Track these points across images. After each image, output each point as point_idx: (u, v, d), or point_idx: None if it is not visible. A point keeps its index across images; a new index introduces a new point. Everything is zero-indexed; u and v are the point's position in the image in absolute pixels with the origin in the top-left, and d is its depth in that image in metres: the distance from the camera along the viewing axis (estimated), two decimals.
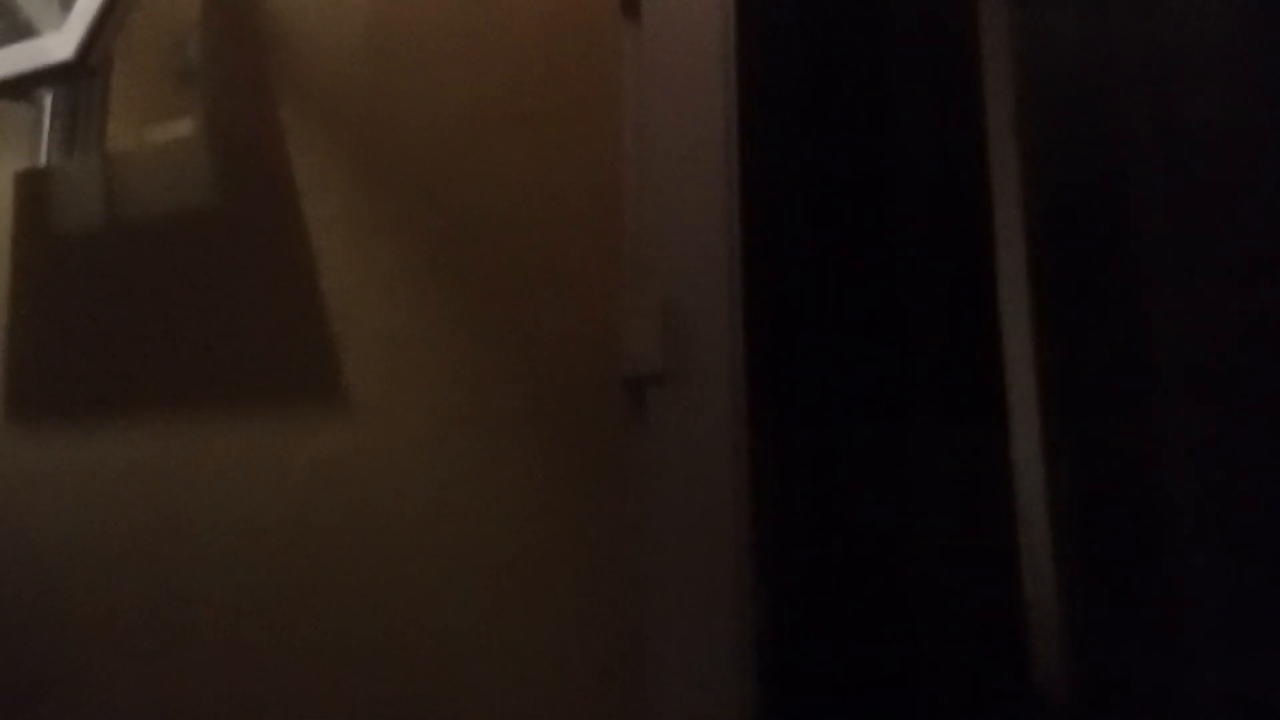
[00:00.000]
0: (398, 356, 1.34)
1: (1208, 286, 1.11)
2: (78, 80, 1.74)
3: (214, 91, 1.58)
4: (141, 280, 1.57)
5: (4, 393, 1.64)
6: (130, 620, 1.44)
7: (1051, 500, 1.10)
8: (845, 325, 1.21)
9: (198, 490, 1.43)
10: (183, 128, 1.64)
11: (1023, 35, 1.24)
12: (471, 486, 1.26)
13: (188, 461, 1.45)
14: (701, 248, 1.20)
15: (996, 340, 1.16)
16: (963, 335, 1.18)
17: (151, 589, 1.44)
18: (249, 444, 1.41)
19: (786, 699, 1.12)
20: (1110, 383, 1.13)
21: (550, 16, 1.34)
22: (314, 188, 1.45)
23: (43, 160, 1.80)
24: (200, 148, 1.57)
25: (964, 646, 1.11)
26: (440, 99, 1.39)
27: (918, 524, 1.14)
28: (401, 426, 1.32)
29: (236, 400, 1.44)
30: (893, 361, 1.19)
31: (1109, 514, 1.10)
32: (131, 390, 1.53)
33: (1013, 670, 1.07)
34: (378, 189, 1.41)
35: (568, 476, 1.22)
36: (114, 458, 1.51)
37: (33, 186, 1.72)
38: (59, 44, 1.64)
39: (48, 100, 1.82)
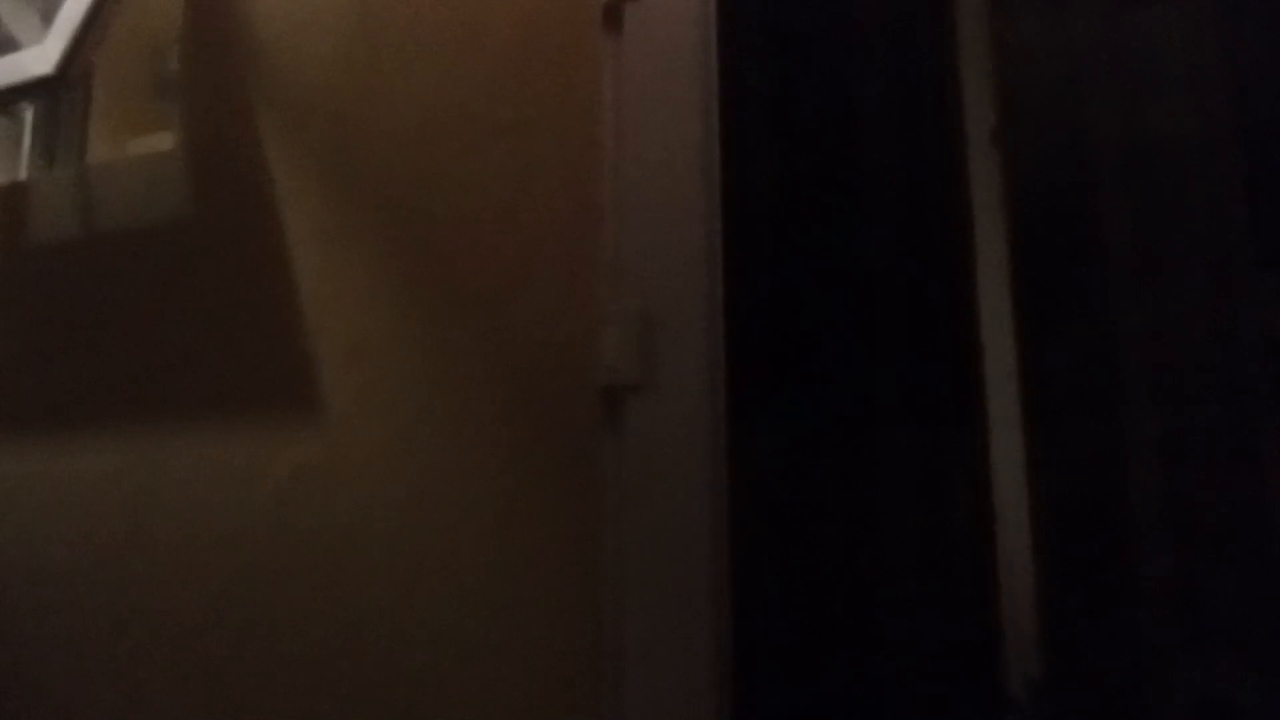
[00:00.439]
0: (372, 366, 1.34)
1: (1183, 292, 1.12)
2: (58, 94, 1.74)
3: (193, 103, 1.58)
4: (119, 290, 1.56)
5: None
6: (98, 632, 1.43)
7: (1027, 503, 1.10)
8: (822, 334, 1.21)
9: (170, 500, 1.42)
10: (162, 140, 1.64)
11: (1000, 45, 1.26)
12: (446, 495, 1.26)
13: (159, 470, 1.44)
14: (679, 258, 1.20)
15: (974, 347, 1.16)
16: (939, 343, 1.18)
17: (121, 600, 1.42)
18: (222, 453, 1.40)
19: (760, 704, 1.11)
20: (1087, 388, 1.14)
21: (528, 26, 1.34)
22: (290, 198, 1.45)
23: (23, 173, 1.80)
24: (179, 159, 1.57)
25: (938, 650, 1.10)
26: (418, 109, 1.39)
27: (893, 530, 1.14)
28: (375, 436, 1.31)
29: (210, 410, 1.43)
30: (869, 370, 1.19)
31: (1085, 518, 1.10)
32: (107, 400, 1.52)
33: (987, 672, 1.07)
34: (354, 199, 1.41)
35: (543, 485, 1.22)
36: (88, 468, 1.50)
37: (12, 199, 1.72)
38: (39, 58, 1.64)
39: (28, 113, 1.82)
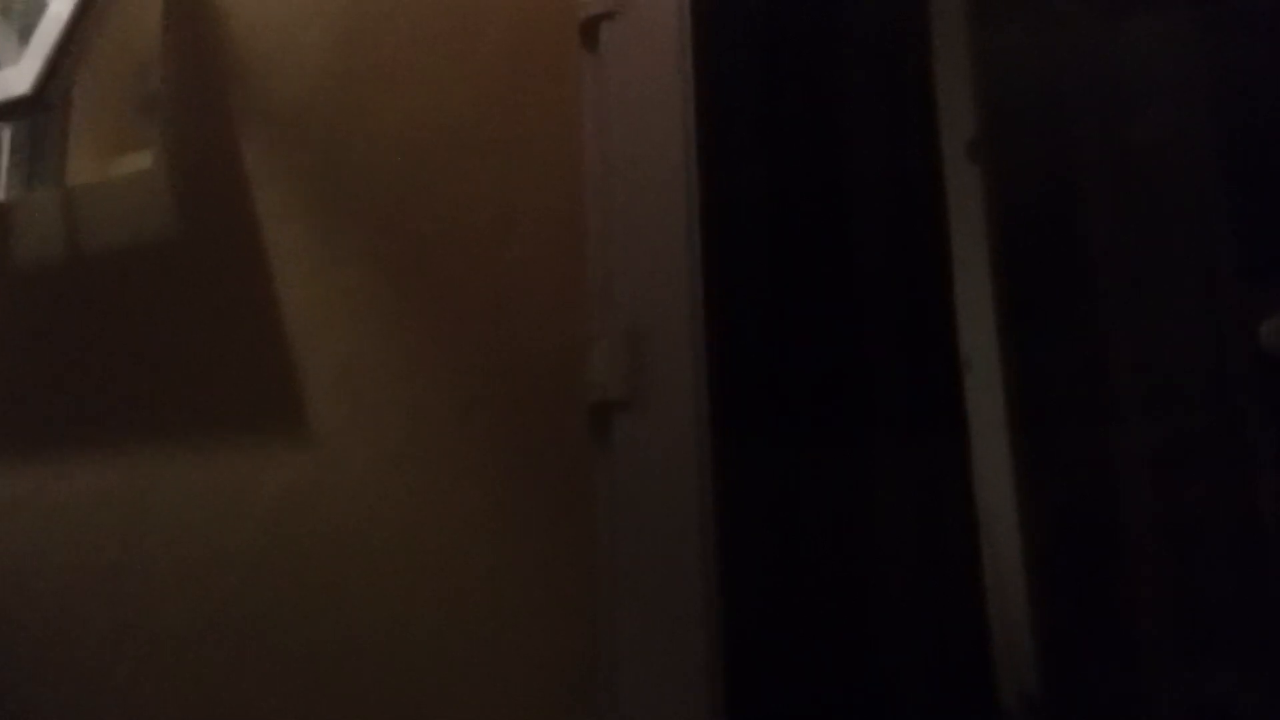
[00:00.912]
0: (360, 384, 1.34)
1: (1167, 302, 1.13)
2: (36, 114, 1.73)
3: (175, 122, 1.57)
4: (103, 312, 1.55)
5: None
6: (93, 651, 1.42)
7: (1015, 514, 1.11)
8: (808, 348, 1.22)
9: (160, 520, 1.42)
10: (143, 159, 1.63)
11: (980, 57, 1.26)
12: (436, 513, 1.26)
13: (150, 491, 1.44)
14: (664, 275, 1.21)
15: (956, 356, 1.17)
16: (925, 354, 1.19)
17: (114, 620, 1.42)
18: (212, 473, 1.40)
19: (751, 716, 1.12)
20: (1071, 396, 1.15)
21: (511, 45, 1.34)
22: (275, 216, 1.45)
23: (2, 194, 1.78)
24: (161, 179, 1.56)
25: (930, 660, 1.11)
26: (401, 127, 1.39)
27: (880, 543, 1.15)
28: (365, 454, 1.31)
29: (199, 429, 1.43)
30: (854, 383, 1.20)
31: (1071, 525, 1.11)
32: (93, 421, 1.52)
33: (979, 683, 1.08)
34: (339, 217, 1.41)
35: (534, 503, 1.22)
36: (75, 489, 1.49)
37: None
38: (16, 78, 1.63)
39: (6, 134, 1.81)
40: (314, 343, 1.38)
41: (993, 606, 1.10)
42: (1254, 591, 1.04)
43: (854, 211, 1.24)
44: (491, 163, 1.32)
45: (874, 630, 1.14)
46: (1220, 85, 1.15)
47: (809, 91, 1.29)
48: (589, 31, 1.31)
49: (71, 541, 1.48)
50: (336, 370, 1.36)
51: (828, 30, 1.30)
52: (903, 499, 1.15)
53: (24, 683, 1.47)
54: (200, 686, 1.35)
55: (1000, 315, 1.17)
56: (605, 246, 1.24)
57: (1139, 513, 1.09)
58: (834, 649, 1.14)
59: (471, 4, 1.38)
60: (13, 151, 1.79)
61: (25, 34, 1.69)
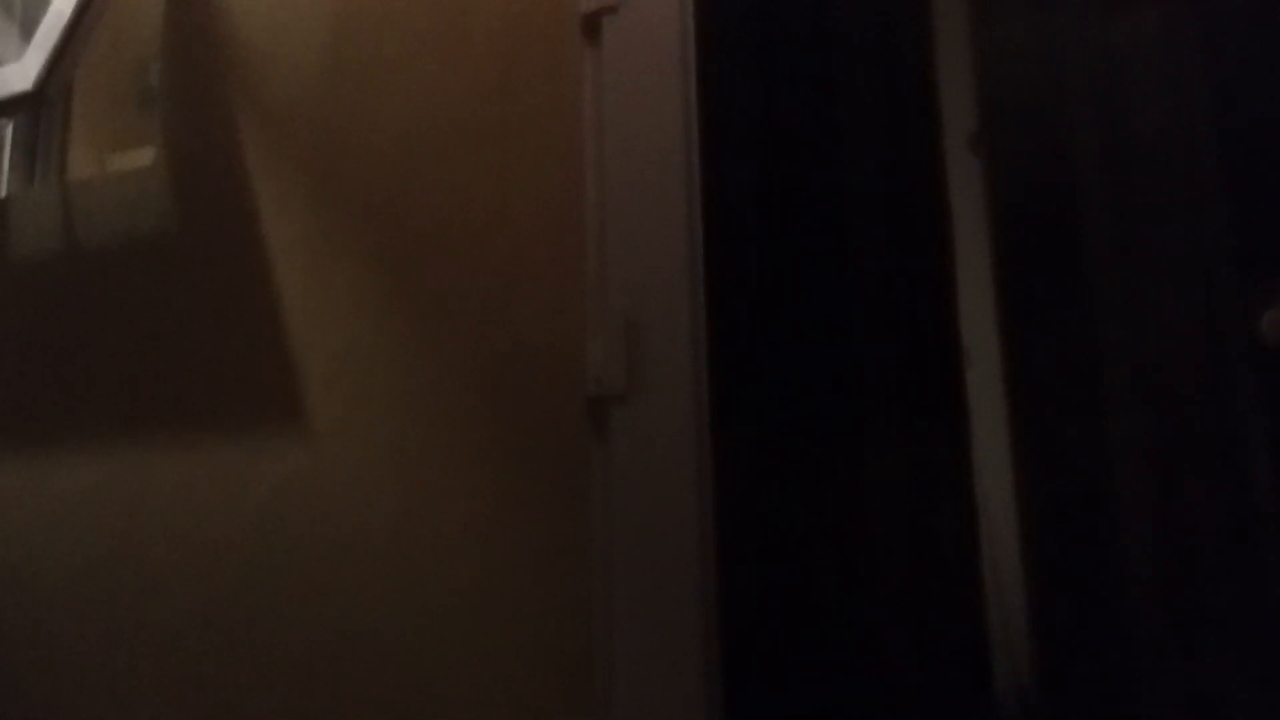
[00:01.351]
0: (358, 377, 1.34)
1: (1166, 293, 1.13)
2: (37, 110, 1.73)
3: (174, 117, 1.58)
4: (102, 306, 1.55)
5: None
6: (88, 644, 1.42)
7: (1014, 504, 1.11)
8: (806, 340, 1.21)
9: (158, 513, 1.42)
10: (143, 155, 1.63)
11: (980, 50, 1.26)
12: (433, 505, 1.26)
13: (146, 485, 1.43)
14: (662, 267, 1.20)
15: (958, 349, 1.16)
16: (924, 346, 1.18)
17: (110, 612, 1.42)
18: (208, 466, 1.40)
19: (749, 706, 1.11)
20: (1071, 387, 1.14)
21: (510, 37, 1.34)
22: (273, 210, 1.45)
23: (2, 190, 1.79)
24: (160, 174, 1.56)
25: (927, 650, 1.10)
26: (400, 120, 1.39)
27: (879, 534, 1.14)
28: (362, 447, 1.31)
29: (196, 423, 1.43)
30: (853, 374, 1.19)
31: (1069, 515, 1.11)
32: (92, 414, 1.52)
33: (976, 674, 1.07)
34: (337, 211, 1.41)
35: (531, 495, 1.22)
36: (74, 481, 1.49)
37: None
38: (18, 74, 1.63)
39: (7, 130, 1.81)
40: (311, 336, 1.38)
41: (991, 599, 1.10)
42: (1253, 586, 1.04)
43: (854, 204, 1.24)
44: (489, 157, 1.32)
45: (872, 624, 1.13)
46: (1220, 77, 1.14)
47: (810, 85, 1.29)
48: (591, 26, 1.31)
49: (67, 535, 1.48)
50: (333, 364, 1.36)
51: (829, 24, 1.30)
52: (902, 492, 1.14)
53: (19, 675, 1.46)
54: (195, 679, 1.34)
55: (1001, 307, 1.17)
56: (603, 240, 1.24)
57: (1138, 504, 1.08)
58: (832, 642, 1.13)
59: None
60: (13, 147, 1.79)
61: (27, 30, 1.69)
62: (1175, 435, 1.08)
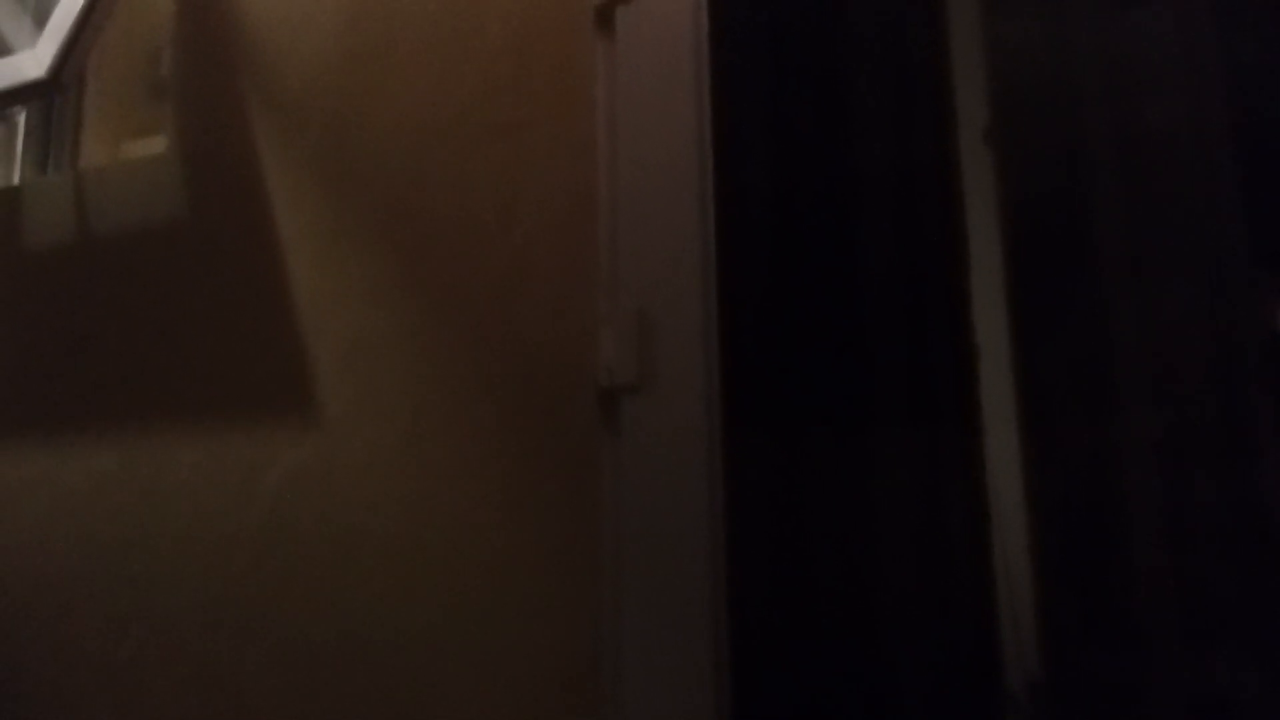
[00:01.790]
0: (370, 368, 1.34)
1: (1179, 291, 1.12)
2: (51, 98, 1.74)
3: (186, 106, 1.58)
4: (114, 295, 1.56)
5: None
6: (98, 634, 1.43)
7: (1024, 503, 1.11)
8: (818, 334, 1.21)
9: (169, 503, 1.42)
10: (156, 143, 1.63)
11: (994, 45, 1.26)
12: (444, 497, 1.26)
13: (157, 474, 1.44)
14: (674, 258, 1.20)
15: (969, 346, 1.16)
16: (935, 343, 1.18)
17: (121, 602, 1.42)
18: (219, 455, 1.40)
19: (759, 704, 1.11)
20: (1083, 387, 1.14)
21: (522, 28, 1.34)
22: (286, 199, 1.45)
23: (16, 178, 1.79)
24: (173, 162, 1.56)
25: (937, 648, 1.11)
26: (412, 110, 1.39)
27: (890, 530, 1.14)
28: (373, 438, 1.31)
29: (207, 412, 1.43)
30: (865, 370, 1.19)
31: (1082, 517, 1.11)
32: (103, 403, 1.52)
33: (987, 671, 1.08)
34: (349, 201, 1.41)
35: (541, 487, 1.22)
36: (85, 470, 1.50)
37: (6, 204, 1.71)
38: (32, 62, 1.63)
39: (21, 118, 1.82)
40: (322, 326, 1.39)
41: (1002, 597, 1.10)
42: (1264, 586, 1.04)
43: (867, 198, 1.24)
44: (501, 147, 1.32)
45: (882, 623, 1.13)
46: (1233, 72, 1.14)
47: (824, 79, 1.29)
48: (604, 17, 1.31)
49: (78, 524, 1.49)
50: (344, 354, 1.36)
51: (843, 18, 1.30)
52: (912, 486, 1.14)
53: (29, 664, 1.47)
54: (203, 669, 1.35)
55: (1014, 302, 1.17)
56: (615, 230, 1.24)
57: (1149, 503, 1.08)
58: (842, 642, 1.13)
59: None
60: (27, 135, 1.80)
61: (41, 18, 1.70)
62: (1187, 433, 1.08)
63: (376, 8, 1.45)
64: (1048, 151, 1.20)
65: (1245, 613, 1.02)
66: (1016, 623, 1.09)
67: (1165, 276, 1.13)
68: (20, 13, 1.78)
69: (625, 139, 1.26)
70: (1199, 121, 1.15)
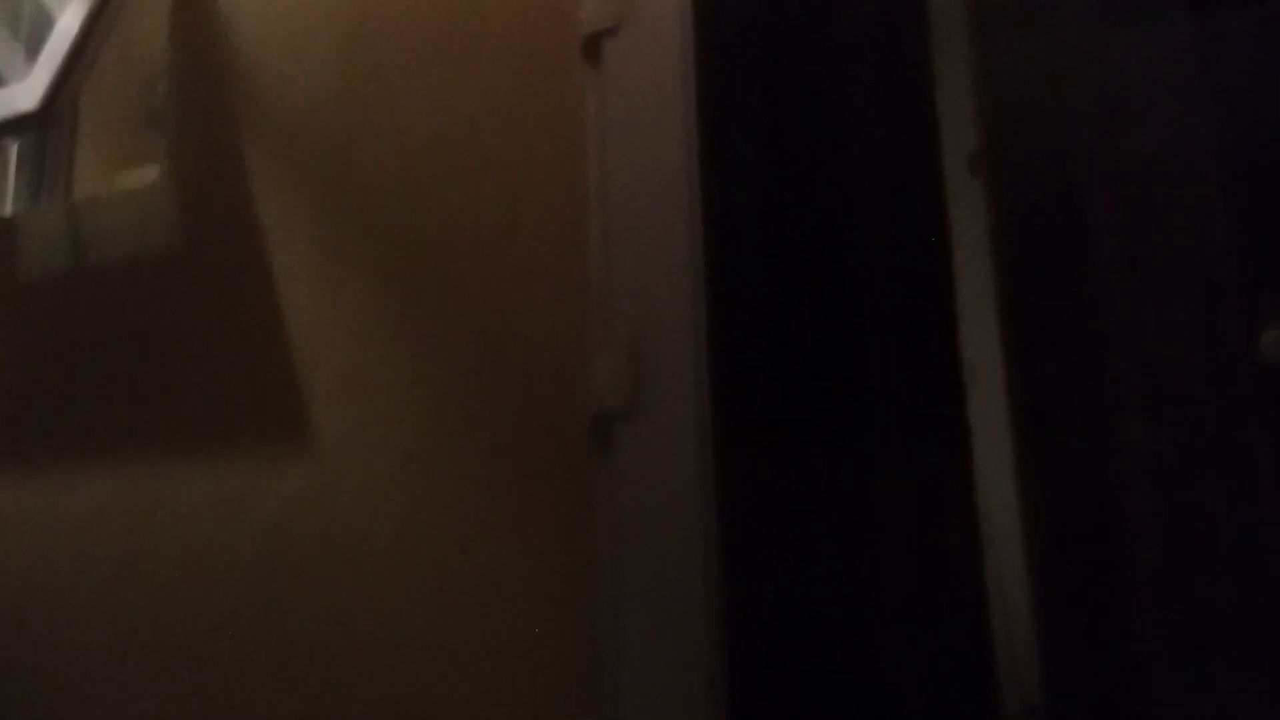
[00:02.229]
0: (364, 396, 1.34)
1: (1171, 312, 1.13)
2: (43, 129, 1.74)
3: (180, 136, 1.59)
4: (108, 324, 1.56)
5: None
6: (96, 661, 1.42)
7: (1019, 522, 1.11)
8: (809, 359, 1.22)
9: (165, 531, 1.42)
10: (149, 172, 1.64)
11: (979, 68, 1.27)
12: (438, 524, 1.26)
13: (154, 502, 1.44)
14: (665, 286, 1.21)
15: (962, 367, 1.17)
16: (927, 364, 1.19)
17: (118, 630, 1.42)
18: (215, 483, 1.41)
19: None
20: (1073, 406, 1.15)
21: (513, 57, 1.35)
22: (279, 229, 1.46)
23: (8, 209, 1.80)
24: (167, 193, 1.57)
25: (933, 667, 1.11)
26: (406, 140, 1.40)
27: (883, 552, 1.15)
28: (368, 465, 1.32)
29: (203, 440, 1.44)
30: (857, 392, 1.19)
31: (1074, 532, 1.11)
32: (98, 432, 1.52)
33: (982, 691, 1.08)
34: (343, 229, 1.42)
35: (536, 513, 1.22)
36: (82, 498, 1.50)
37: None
38: (24, 93, 1.64)
39: (13, 149, 1.82)
40: (317, 354, 1.39)
41: (995, 612, 1.10)
42: (1256, 601, 1.04)
43: (855, 224, 1.25)
44: (494, 175, 1.33)
45: (877, 640, 1.13)
46: (1221, 96, 1.15)
47: (810, 105, 1.30)
48: (591, 47, 1.32)
49: (76, 552, 1.49)
50: (339, 381, 1.37)
51: (829, 44, 1.31)
52: (906, 508, 1.15)
53: (29, 691, 1.47)
54: (202, 697, 1.35)
55: (1003, 325, 1.17)
56: (607, 258, 1.24)
57: (1141, 521, 1.09)
58: (836, 659, 1.14)
59: (473, 18, 1.39)
60: (19, 166, 1.80)
61: (33, 49, 1.70)
62: (1178, 452, 1.08)
63: (369, 39, 1.46)
64: (1034, 176, 1.21)
65: (1244, 633, 1.02)
66: (1012, 645, 1.09)
67: (1154, 298, 1.14)
68: (12, 43, 1.79)
69: (615, 168, 1.27)
70: (1186, 144, 1.16)
